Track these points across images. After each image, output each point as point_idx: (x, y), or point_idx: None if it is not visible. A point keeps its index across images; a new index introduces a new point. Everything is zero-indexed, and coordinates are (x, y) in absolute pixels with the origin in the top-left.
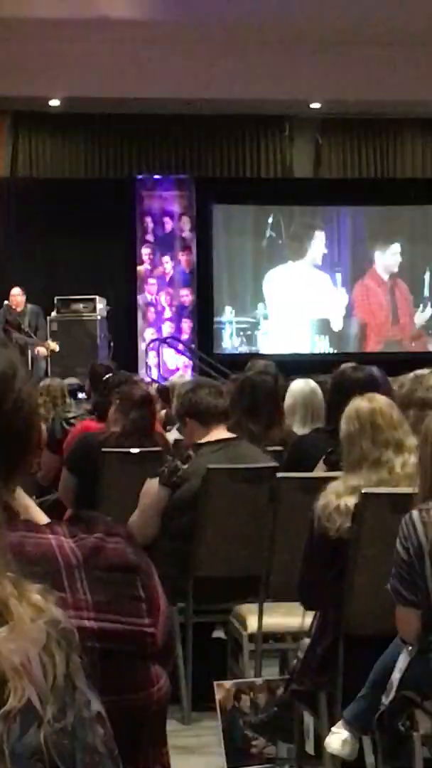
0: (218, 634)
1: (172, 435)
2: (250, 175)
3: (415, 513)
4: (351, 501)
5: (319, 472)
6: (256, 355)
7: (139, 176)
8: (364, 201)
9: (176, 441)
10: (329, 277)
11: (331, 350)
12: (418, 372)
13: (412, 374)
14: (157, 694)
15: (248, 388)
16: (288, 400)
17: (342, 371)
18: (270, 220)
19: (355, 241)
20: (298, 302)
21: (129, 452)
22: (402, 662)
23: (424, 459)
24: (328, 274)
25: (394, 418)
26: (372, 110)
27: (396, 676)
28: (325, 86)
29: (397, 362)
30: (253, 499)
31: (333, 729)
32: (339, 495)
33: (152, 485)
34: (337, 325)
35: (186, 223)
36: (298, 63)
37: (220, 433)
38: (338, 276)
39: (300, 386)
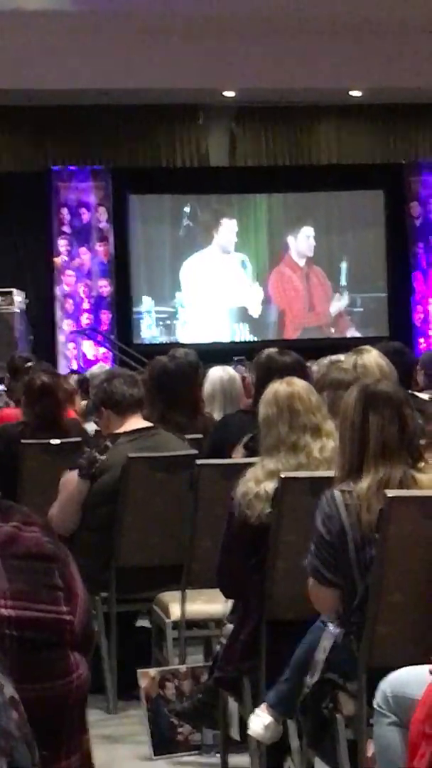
0: (142, 622)
1: (92, 426)
2: (165, 165)
3: (336, 493)
4: (270, 486)
5: (238, 457)
6: (176, 345)
7: (55, 168)
8: (280, 188)
9: (96, 432)
10: (246, 265)
11: (251, 338)
12: (333, 357)
13: (327, 359)
14: (76, 681)
15: (165, 378)
16: (207, 388)
17: (268, 355)
18: (187, 209)
19: (271, 228)
20: (216, 291)
21: (48, 443)
22: (324, 645)
23: (342, 438)
24: (245, 261)
25: (312, 402)
26: (285, 98)
27: (319, 658)
28: (238, 75)
29: (317, 348)
30: (173, 487)
31: (256, 713)
32: (258, 480)
33: (71, 477)
34: (255, 313)
35: (103, 214)
36: (211, 52)
37: (137, 422)
38: (255, 263)
39: (218, 374)
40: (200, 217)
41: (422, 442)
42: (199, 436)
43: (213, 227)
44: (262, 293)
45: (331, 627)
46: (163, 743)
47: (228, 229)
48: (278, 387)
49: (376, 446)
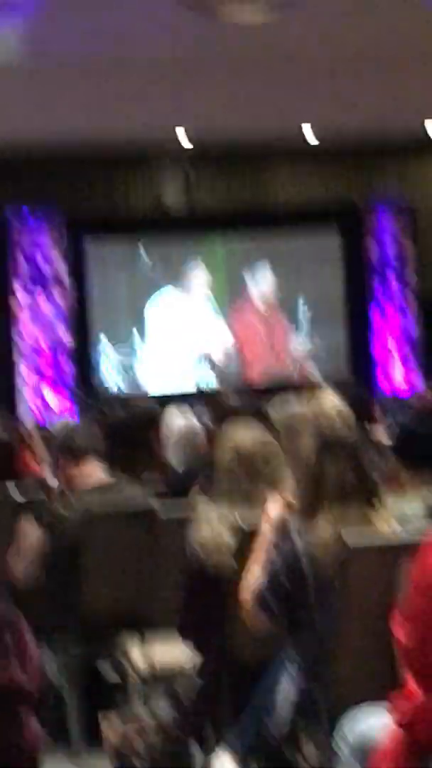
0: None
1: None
2: (121, 209)
3: (296, 539)
4: (225, 535)
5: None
6: (138, 393)
7: (10, 212)
8: (237, 230)
9: (58, 484)
10: (207, 309)
11: (214, 383)
12: (291, 399)
13: (284, 401)
14: (29, 736)
15: (123, 430)
16: (167, 435)
17: (220, 401)
18: (143, 253)
19: (229, 270)
20: (177, 336)
21: (9, 496)
22: (284, 687)
23: (298, 480)
24: (206, 304)
25: (269, 452)
26: (238, 140)
27: (280, 704)
28: (191, 117)
29: (279, 392)
30: (135, 537)
31: (217, 759)
32: (213, 527)
33: (31, 528)
34: (217, 357)
35: (58, 259)
36: (164, 93)
37: (95, 471)
38: (215, 306)
39: (178, 424)
40: (157, 260)
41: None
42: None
43: (171, 271)
44: (225, 333)
45: (289, 670)
46: None
47: (194, 272)
48: (239, 435)
49: (333, 488)
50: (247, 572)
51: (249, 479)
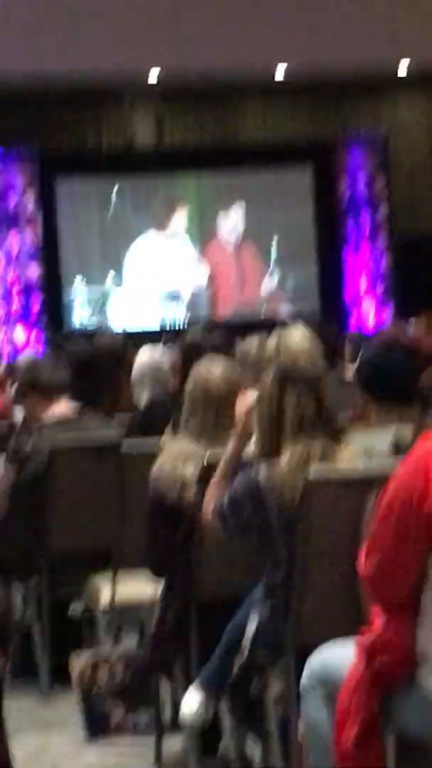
0: (75, 606)
1: (20, 413)
2: (92, 147)
3: (260, 472)
4: (188, 469)
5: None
6: (105, 330)
7: None
8: (208, 168)
9: (24, 419)
10: (178, 246)
11: (183, 320)
12: (257, 336)
13: (251, 338)
14: None
15: (88, 363)
16: (135, 370)
17: (191, 336)
18: (114, 191)
19: (201, 208)
20: (147, 273)
21: None
22: (252, 625)
23: (260, 416)
24: (176, 242)
25: (238, 387)
26: (210, 77)
27: (247, 638)
28: (161, 55)
29: (248, 327)
30: (100, 472)
31: (187, 695)
32: (174, 460)
33: None
34: (186, 294)
35: (30, 197)
36: (136, 32)
37: (63, 407)
38: (186, 243)
39: (145, 356)
40: (128, 198)
41: (348, 415)
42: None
43: (142, 209)
44: (190, 273)
45: (257, 606)
46: (97, 727)
47: (165, 210)
48: (210, 373)
49: (292, 423)
50: (208, 494)
51: (216, 414)
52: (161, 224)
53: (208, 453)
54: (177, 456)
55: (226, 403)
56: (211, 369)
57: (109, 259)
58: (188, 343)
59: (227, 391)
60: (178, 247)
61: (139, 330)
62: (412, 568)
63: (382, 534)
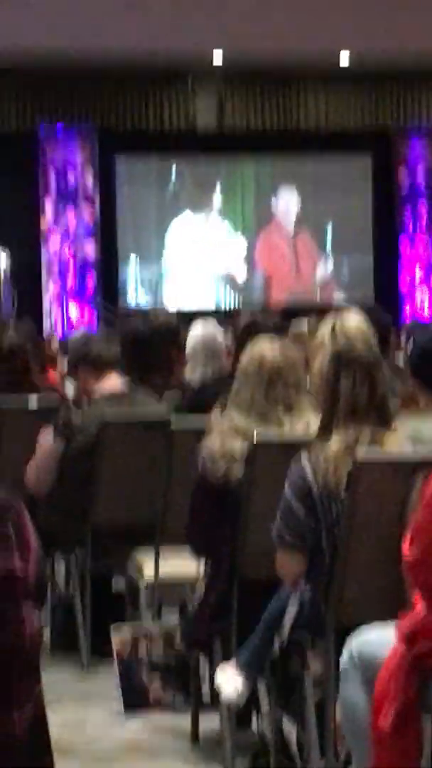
0: (119, 580)
1: (72, 387)
2: (153, 127)
3: (303, 456)
4: (237, 445)
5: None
6: (159, 308)
7: (42, 128)
8: (267, 152)
9: (75, 392)
10: (233, 229)
11: (237, 303)
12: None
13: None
14: (29, 631)
15: (139, 341)
16: (188, 344)
17: (251, 317)
18: (173, 172)
19: (258, 192)
20: (202, 255)
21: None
22: (293, 605)
23: (318, 398)
24: (232, 225)
25: (291, 378)
26: (274, 61)
27: (287, 619)
28: (226, 38)
29: (302, 313)
30: (148, 448)
31: (225, 673)
32: (223, 437)
33: (47, 436)
34: (241, 278)
35: (89, 175)
36: (201, 15)
37: (114, 381)
38: (242, 227)
39: (198, 331)
40: (187, 180)
41: (398, 402)
42: (177, 393)
43: (200, 191)
44: (246, 257)
45: (298, 593)
46: (135, 701)
47: (216, 192)
48: (268, 350)
49: (345, 407)
50: None
51: (267, 388)
52: (206, 207)
53: (256, 432)
54: (226, 431)
55: (278, 379)
56: (267, 345)
57: (164, 240)
58: (243, 324)
59: (280, 366)
60: (223, 229)
61: (195, 309)
62: None
63: (426, 520)
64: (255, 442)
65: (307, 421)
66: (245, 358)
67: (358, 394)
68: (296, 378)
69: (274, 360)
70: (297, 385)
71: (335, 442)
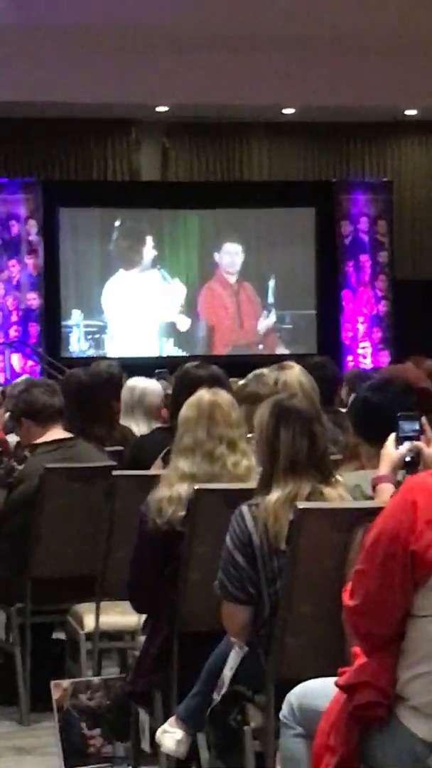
0: (58, 635)
1: (15, 438)
2: (96, 179)
3: (244, 508)
4: (183, 489)
5: (157, 470)
6: (104, 358)
7: None
8: (211, 204)
9: (18, 443)
10: (167, 279)
11: (179, 353)
12: (257, 371)
13: (251, 374)
14: None
15: (82, 390)
16: (123, 397)
17: (185, 369)
18: (117, 223)
19: (202, 244)
20: (144, 305)
21: None
22: (232, 659)
23: (257, 452)
24: (175, 275)
25: (232, 416)
26: (217, 114)
27: (227, 672)
28: (171, 89)
29: (245, 365)
30: (90, 498)
31: (166, 727)
32: (170, 483)
33: None
34: (183, 328)
35: (33, 227)
36: (144, 66)
37: (57, 432)
38: (185, 279)
39: (134, 384)
40: (130, 231)
41: (339, 457)
42: (119, 448)
43: (142, 242)
44: (188, 308)
45: (237, 647)
46: (75, 755)
47: (158, 243)
48: (204, 394)
49: (285, 461)
50: None
51: (211, 428)
52: (144, 257)
53: (196, 486)
54: (173, 479)
55: (219, 416)
56: (211, 395)
57: (105, 290)
58: (178, 375)
59: (219, 403)
60: (167, 279)
61: (138, 357)
62: (396, 606)
63: (368, 569)
64: (197, 491)
65: (249, 463)
66: (184, 407)
67: (297, 448)
68: (236, 417)
69: (211, 399)
70: (238, 425)
71: (275, 495)
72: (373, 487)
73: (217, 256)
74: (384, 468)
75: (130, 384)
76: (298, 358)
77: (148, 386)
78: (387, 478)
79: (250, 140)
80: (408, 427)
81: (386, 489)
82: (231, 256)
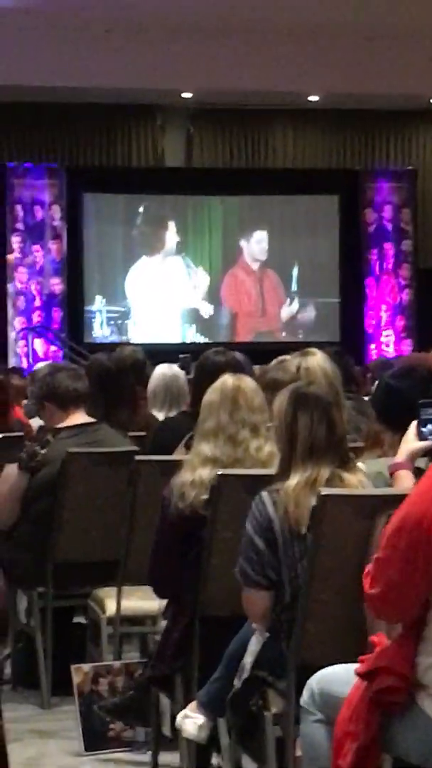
0: (79, 619)
1: (38, 421)
2: (121, 164)
3: (264, 493)
4: (206, 473)
5: (179, 455)
6: (127, 344)
7: (10, 164)
8: (235, 191)
9: (40, 427)
10: (194, 265)
11: (202, 340)
12: (280, 357)
13: (274, 360)
14: None
15: (106, 375)
16: (150, 385)
17: (206, 355)
18: (141, 209)
19: (226, 231)
20: (167, 291)
21: None
22: (253, 644)
23: (276, 438)
24: (199, 262)
25: (255, 401)
26: (242, 101)
27: (248, 658)
28: (196, 76)
29: (267, 352)
30: (113, 483)
31: (186, 712)
32: (194, 467)
33: (11, 470)
34: (206, 314)
35: (57, 212)
36: (170, 52)
37: (80, 416)
38: (209, 265)
39: (161, 371)
40: (154, 217)
41: (361, 444)
42: (142, 433)
43: (166, 228)
44: (211, 294)
45: (258, 633)
46: (95, 739)
47: (182, 229)
48: (228, 378)
49: (303, 446)
50: None
51: (234, 412)
52: (168, 242)
53: (219, 472)
54: (196, 463)
55: (242, 400)
56: (235, 379)
57: (129, 276)
58: (199, 361)
59: (242, 388)
60: (191, 266)
61: (160, 343)
62: (418, 593)
63: (390, 556)
64: (220, 477)
65: (272, 449)
66: (207, 392)
67: (316, 434)
68: (259, 402)
69: (235, 384)
70: (261, 410)
71: (294, 479)
72: (391, 474)
73: (244, 243)
74: (401, 455)
75: (156, 371)
76: (320, 345)
77: (172, 373)
78: (404, 464)
79: (274, 127)
80: (430, 413)
81: (404, 476)
82: (258, 243)
